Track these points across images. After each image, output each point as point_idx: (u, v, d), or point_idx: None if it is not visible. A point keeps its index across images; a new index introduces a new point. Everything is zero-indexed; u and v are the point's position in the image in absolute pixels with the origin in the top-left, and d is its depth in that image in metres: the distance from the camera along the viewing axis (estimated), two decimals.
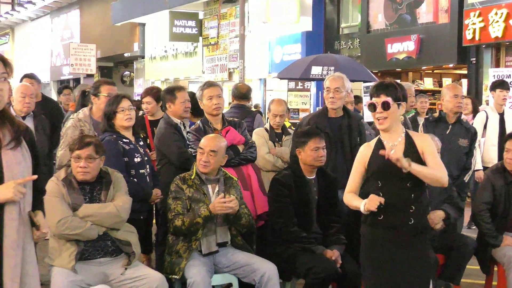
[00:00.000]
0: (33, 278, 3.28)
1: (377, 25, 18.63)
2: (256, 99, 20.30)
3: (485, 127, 8.68)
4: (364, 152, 4.32)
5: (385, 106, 4.14)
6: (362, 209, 4.15)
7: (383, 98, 4.15)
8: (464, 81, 16.70)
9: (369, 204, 4.09)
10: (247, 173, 5.80)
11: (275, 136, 6.84)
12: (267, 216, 5.74)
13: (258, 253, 5.55)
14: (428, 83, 19.25)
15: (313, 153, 5.42)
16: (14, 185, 3.14)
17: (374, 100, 4.18)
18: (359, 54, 18.95)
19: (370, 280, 4.31)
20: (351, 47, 19.77)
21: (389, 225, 4.17)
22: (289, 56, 20.89)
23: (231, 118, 6.24)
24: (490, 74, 10.91)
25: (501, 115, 8.66)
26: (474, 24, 14.89)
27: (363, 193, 4.28)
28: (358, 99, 11.81)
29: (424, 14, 16.97)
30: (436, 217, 5.83)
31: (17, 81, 8.88)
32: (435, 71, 19.34)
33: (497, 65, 15.17)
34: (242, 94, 7.85)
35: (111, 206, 4.81)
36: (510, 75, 10.48)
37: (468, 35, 15.08)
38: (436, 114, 6.96)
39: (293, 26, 20.37)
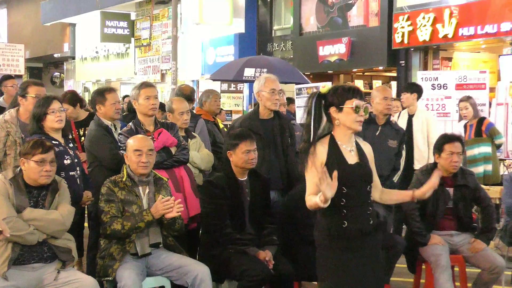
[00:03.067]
0: None
1: (309, 27, 18.83)
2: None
3: None
4: (321, 152, 4.06)
5: (367, 110, 4.16)
6: (318, 201, 3.82)
7: (363, 102, 4.09)
8: (394, 83, 17.05)
9: (325, 191, 3.75)
10: (179, 175, 5.78)
11: None
12: (200, 218, 5.73)
13: (192, 256, 5.54)
14: (358, 85, 19.51)
15: (244, 156, 5.44)
16: None
17: (359, 103, 4.04)
18: (292, 56, 19.12)
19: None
20: (284, 49, 19.92)
21: (355, 231, 4.06)
22: (222, 58, 20.92)
23: (163, 120, 6.20)
24: (419, 77, 11.15)
25: (410, 117, 8.83)
26: (403, 27, 15.21)
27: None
28: (290, 101, 11.92)
29: (355, 17, 17.25)
30: None
31: None
32: (365, 74, 19.67)
33: (425, 67, 15.56)
34: (185, 96, 7.74)
35: (56, 213, 4.79)
36: (437, 77, 10.74)
37: (397, 38, 15.40)
38: (366, 116, 7.06)
39: (226, 27, 20.41)
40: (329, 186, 3.73)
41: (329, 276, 4.12)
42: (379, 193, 4.37)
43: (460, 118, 9.02)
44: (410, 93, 8.58)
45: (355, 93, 4.08)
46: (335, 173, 3.78)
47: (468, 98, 8.82)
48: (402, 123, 8.65)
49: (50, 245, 4.79)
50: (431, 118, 8.76)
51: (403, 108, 9.23)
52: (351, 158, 4.12)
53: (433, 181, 4.38)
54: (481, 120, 8.69)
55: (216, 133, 7.81)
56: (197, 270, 5.08)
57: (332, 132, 4.14)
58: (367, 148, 4.30)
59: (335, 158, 4.05)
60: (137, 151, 5.18)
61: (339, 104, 4.07)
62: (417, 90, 8.87)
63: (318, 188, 3.85)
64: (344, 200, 4.04)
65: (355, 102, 4.04)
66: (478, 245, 5.93)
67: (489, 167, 8.62)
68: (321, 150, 4.06)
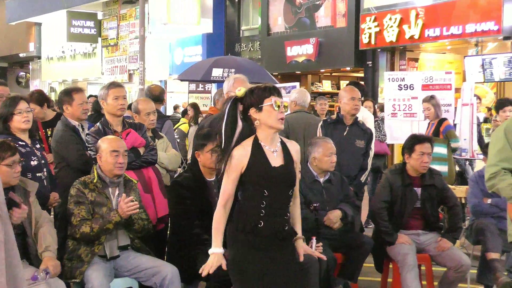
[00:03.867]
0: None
1: (277, 28, 18.87)
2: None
3: None
4: (241, 156, 4.02)
5: (287, 108, 4.14)
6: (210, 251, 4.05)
7: (281, 99, 4.06)
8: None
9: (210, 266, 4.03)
10: (147, 176, 5.75)
11: None
12: (168, 219, 5.72)
13: (160, 256, 5.52)
14: (326, 86, 19.66)
15: (211, 156, 5.43)
16: None
17: (277, 99, 4.01)
18: (260, 57, 19.15)
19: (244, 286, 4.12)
20: (252, 49, 19.94)
21: (269, 232, 4.05)
22: (189, 58, 20.88)
23: (131, 120, 6.17)
24: (385, 77, 11.24)
25: None
26: (370, 28, 15.33)
27: (246, 201, 4.11)
28: None
29: (323, 18, 17.33)
30: (334, 217, 5.97)
31: None
32: (333, 74, 19.78)
33: (392, 68, 15.70)
34: (154, 96, 7.68)
35: (50, 225, 4.92)
36: (404, 78, 10.83)
37: (364, 39, 15.51)
38: (334, 116, 7.10)
39: (194, 28, 20.37)
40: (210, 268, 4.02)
41: (237, 272, 4.13)
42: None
43: (425, 118, 9.09)
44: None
45: (272, 90, 4.05)
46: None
47: (430, 99, 8.87)
48: None
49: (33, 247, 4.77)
50: (369, 118, 8.77)
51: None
52: (275, 160, 4.07)
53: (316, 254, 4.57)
54: (441, 121, 8.74)
55: None
56: (165, 271, 5.07)
57: (256, 133, 4.09)
58: (294, 147, 4.22)
59: (258, 161, 4.03)
60: (114, 152, 5.16)
61: (258, 104, 4.02)
62: (360, 89, 8.90)
63: (228, 196, 4.03)
64: (264, 203, 4.03)
65: (273, 99, 4.00)
66: (444, 244, 6.00)
67: (444, 168, 8.65)
68: (241, 154, 4.02)
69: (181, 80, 15.45)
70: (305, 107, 8.14)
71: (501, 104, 8.71)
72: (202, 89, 19.11)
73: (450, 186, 6.64)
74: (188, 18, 19.99)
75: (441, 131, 8.60)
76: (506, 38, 13.35)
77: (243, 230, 4.07)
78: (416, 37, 14.32)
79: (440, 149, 8.50)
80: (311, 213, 5.78)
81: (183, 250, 5.40)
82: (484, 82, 14.16)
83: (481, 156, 9.20)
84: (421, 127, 10.03)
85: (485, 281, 6.45)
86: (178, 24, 20.19)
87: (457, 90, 11.23)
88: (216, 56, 14.51)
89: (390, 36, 14.85)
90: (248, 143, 4.05)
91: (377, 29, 15.14)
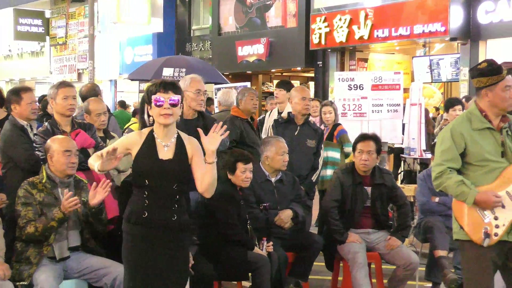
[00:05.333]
0: None
1: (228, 27, 18.88)
2: (106, 101, 19.91)
3: None
4: (131, 140, 4.26)
5: (175, 104, 4.17)
6: (96, 167, 4.13)
7: (172, 95, 4.16)
8: (312, 84, 17.28)
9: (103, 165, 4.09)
10: (97, 177, 5.68)
11: None
12: (117, 220, 5.66)
13: (111, 257, 5.46)
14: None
15: None
16: None
17: (160, 96, 4.14)
18: (211, 56, 19.13)
19: (131, 277, 4.26)
20: (203, 49, 19.91)
21: (154, 223, 4.21)
22: (140, 57, 20.74)
23: (80, 121, 6.10)
24: (335, 77, 11.32)
25: (280, 113, 8.74)
26: (320, 29, 15.44)
27: (134, 191, 4.27)
28: (210, 101, 11.93)
29: (273, 18, 17.40)
30: (286, 217, 6.01)
31: None
32: (284, 74, 19.86)
33: (342, 68, 15.85)
34: (83, 96, 7.59)
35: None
36: (353, 78, 10.93)
37: (314, 39, 15.62)
38: (285, 116, 7.12)
39: (144, 27, 20.26)
40: (109, 162, 4.05)
41: (125, 261, 4.31)
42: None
43: (321, 122, 9.00)
44: (286, 91, 8.33)
45: (158, 87, 4.20)
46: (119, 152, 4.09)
47: (331, 103, 8.98)
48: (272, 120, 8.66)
49: None
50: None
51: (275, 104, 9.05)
52: (164, 153, 4.22)
53: None
54: (336, 125, 8.78)
55: (247, 133, 7.19)
56: (116, 271, 5.02)
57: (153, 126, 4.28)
58: (192, 143, 4.33)
59: (146, 151, 4.20)
60: (67, 151, 5.10)
61: (149, 101, 4.22)
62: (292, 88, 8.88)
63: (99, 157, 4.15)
64: (146, 192, 4.20)
65: (158, 95, 4.16)
66: (394, 242, 6.08)
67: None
68: (133, 138, 4.25)
69: (132, 80, 15.33)
70: (229, 107, 8.16)
71: (450, 103, 8.84)
72: None
73: (399, 185, 6.72)
74: (138, 17, 19.86)
75: (335, 135, 8.66)
76: (452, 39, 13.59)
77: (130, 219, 4.25)
78: (366, 37, 14.49)
79: (334, 154, 8.52)
80: (261, 213, 5.82)
81: None
82: (431, 82, 14.41)
83: (429, 155, 9.36)
84: (371, 127, 10.15)
85: (433, 278, 6.56)
86: (128, 23, 20.05)
87: (406, 90, 11.39)
88: (166, 56, 14.44)
89: (340, 36, 14.99)
90: (144, 133, 4.25)
91: (327, 29, 15.26)
